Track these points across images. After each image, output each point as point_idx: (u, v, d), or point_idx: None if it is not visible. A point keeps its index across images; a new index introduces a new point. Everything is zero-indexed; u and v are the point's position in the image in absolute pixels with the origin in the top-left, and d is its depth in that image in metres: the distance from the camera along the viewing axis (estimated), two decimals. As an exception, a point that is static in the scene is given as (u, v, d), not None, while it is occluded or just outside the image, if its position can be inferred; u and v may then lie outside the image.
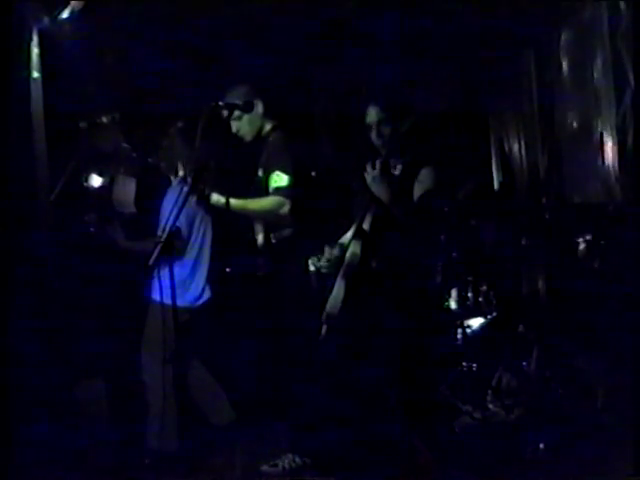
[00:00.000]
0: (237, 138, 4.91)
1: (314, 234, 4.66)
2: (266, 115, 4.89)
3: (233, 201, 4.76)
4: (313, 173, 5.11)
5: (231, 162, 4.94)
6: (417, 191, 4.19)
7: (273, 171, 4.75)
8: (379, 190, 4.11)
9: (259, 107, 4.85)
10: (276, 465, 4.62)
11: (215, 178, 4.82)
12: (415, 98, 4.68)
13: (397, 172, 4.24)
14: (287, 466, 4.60)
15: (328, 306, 4.23)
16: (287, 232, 4.83)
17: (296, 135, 4.97)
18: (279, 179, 4.73)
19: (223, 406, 5.15)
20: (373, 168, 4.12)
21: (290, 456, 4.62)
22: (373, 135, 4.27)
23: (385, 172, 4.14)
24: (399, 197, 4.12)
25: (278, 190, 4.73)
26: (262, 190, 4.82)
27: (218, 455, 4.90)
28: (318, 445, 4.40)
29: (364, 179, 4.17)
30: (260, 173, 4.89)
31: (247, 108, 4.78)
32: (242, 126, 4.87)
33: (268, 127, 4.89)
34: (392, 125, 4.22)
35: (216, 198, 4.78)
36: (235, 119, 4.83)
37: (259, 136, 4.91)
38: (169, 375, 4.76)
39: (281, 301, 4.88)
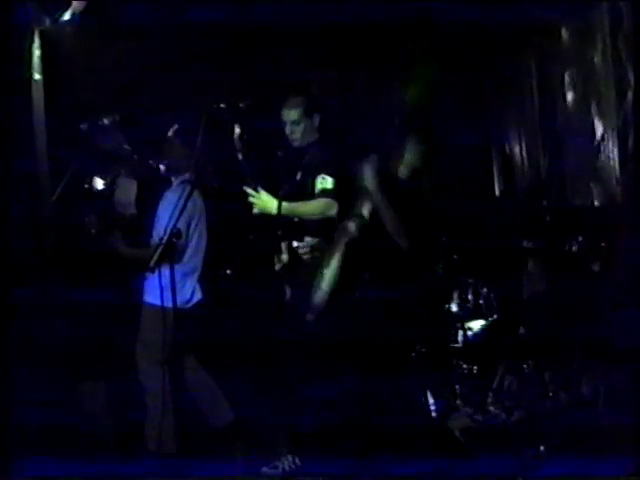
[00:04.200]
0: (286, 140, 4.99)
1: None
2: (319, 126, 4.97)
3: (284, 204, 4.80)
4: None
5: (275, 163, 5.01)
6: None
7: (318, 174, 4.80)
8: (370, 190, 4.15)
9: (316, 119, 4.93)
10: (276, 467, 4.63)
11: (259, 179, 4.89)
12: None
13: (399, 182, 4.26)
14: (287, 468, 4.61)
15: (324, 283, 4.23)
16: (313, 241, 4.87)
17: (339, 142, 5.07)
18: (325, 182, 4.77)
19: (221, 407, 5.15)
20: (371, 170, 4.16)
21: (290, 458, 4.63)
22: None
23: (378, 176, 4.18)
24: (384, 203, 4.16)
25: (325, 192, 4.77)
26: (306, 192, 4.86)
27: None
28: (317, 446, 4.41)
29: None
30: (301, 176, 4.93)
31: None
32: (296, 131, 4.93)
33: (316, 136, 4.95)
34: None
35: (268, 200, 4.83)
36: (293, 123, 4.89)
37: (308, 139, 4.97)
38: (166, 377, 4.76)
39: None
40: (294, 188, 4.90)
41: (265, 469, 4.64)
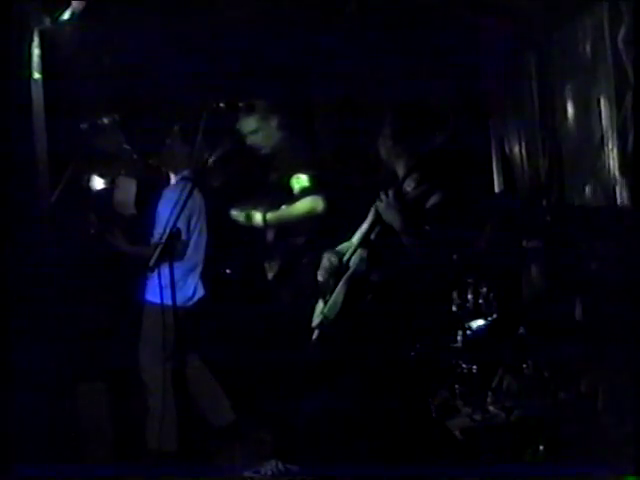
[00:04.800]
0: (251, 150, 4.96)
1: (328, 237, 4.66)
2: (279, 126, 4.94)
3: (269, 214, 4.80)
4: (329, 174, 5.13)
5: (247, 173, 5.00)
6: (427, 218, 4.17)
7: (292, 174, 4.78)
8: (389, 217, 4.11)
9: (274, 122, 4.89)
10: (258, 472, 4.59)
11: (238, 193, 4.89)
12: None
13: (410, 198, 4.20)
14: (269, 472, 4.57)
15: (326, 309, 4.22)
16: (300, 240, 4.86)
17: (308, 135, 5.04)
18: (301, 181, 4.76)
19: (222, 407, 5.14)
20: (386, 195, 4.11)
21: (273, 462, 4.60)
22: (391, 157, 4.27)
23: (397, 200, 4.12)
24: (409, 226, 4.10)
25: (305, 191, 4.75)
26: (285, 195, 4.83)
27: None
28: (305, 452, 4.40)
29: (376, 201, 4.17)
30: (275, 179, 4.91)
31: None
32: (257, 140, 4.92)
33: (279, 136, 4.92)
34: (411, 150, 4.21)
35: (252, 214, 4.84)
36: (251, 133, 4.86)
37: (272, 143, 4.95)
38: (168, 375, 4.76)
39: (276, 302, 4.91)
40: (271, 193, 4.89)
41: (248, 473, 4.61)
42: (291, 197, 4.84)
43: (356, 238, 4.30)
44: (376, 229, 4.23)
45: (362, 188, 4.78)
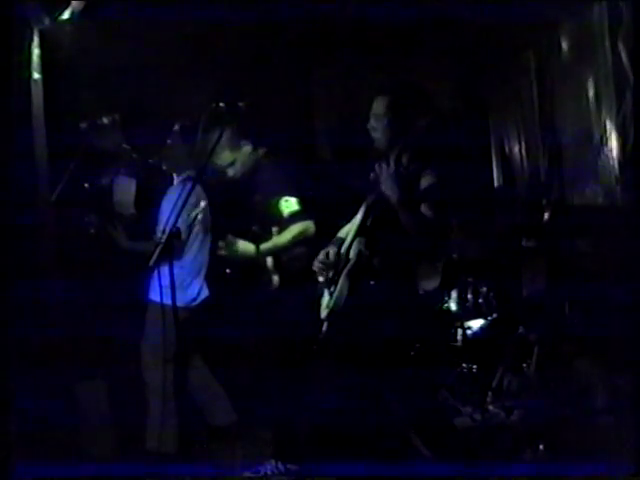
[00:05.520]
0: (232, 181, 4.97)
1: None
2: (254, 149, 4.96)
3: (262, 246, 4.81)
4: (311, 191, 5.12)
5: (232, 205, 5.00)
6: (423, 192, 4.15)
7: (279, 198, 4.78)
8: (388, 190, 4.07)
9: (246, 147, 4.92)
10: (258, 472, 4.59)
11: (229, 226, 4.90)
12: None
13: (406, 171, 4.18)
14: (269, 472, 4.56)
15: (332, 302, 4.21)
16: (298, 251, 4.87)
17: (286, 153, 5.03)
18: (290, 204, 4.76)
19: (224, 407, 5.15)
20: (385, 166, 4.07)
21: (273, 462, 4.59)
22: (382, 132, 4.24)
23: (396, 171, 4.09)
24: (408, 199, 4.07)
25: (295, 215, 4.75)
26: (273, 218, 4.83)
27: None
28: (314, 448, 4.39)
29: (370, 178, 4.14)
30: (264, 202, 4.91)
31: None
32: (236, 169, 4.94)
33: (255, 158, 4.94)
34: (406, 122, 4.19)
35: (244, 246, 4.83)
36: (228, 166, 4.88)
37: (251, 170, 4.96)
38: (169, 375, 4.76)
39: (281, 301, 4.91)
40: (260, 220, 4.90)
41: (247, 474, 4.60)
42: (280, 220, 4.85)
43: (353, 227, 4.29)
44: (371, 216, 4.21)
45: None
